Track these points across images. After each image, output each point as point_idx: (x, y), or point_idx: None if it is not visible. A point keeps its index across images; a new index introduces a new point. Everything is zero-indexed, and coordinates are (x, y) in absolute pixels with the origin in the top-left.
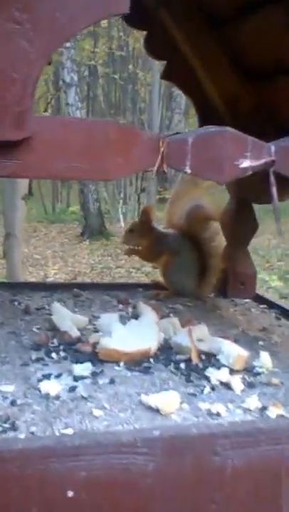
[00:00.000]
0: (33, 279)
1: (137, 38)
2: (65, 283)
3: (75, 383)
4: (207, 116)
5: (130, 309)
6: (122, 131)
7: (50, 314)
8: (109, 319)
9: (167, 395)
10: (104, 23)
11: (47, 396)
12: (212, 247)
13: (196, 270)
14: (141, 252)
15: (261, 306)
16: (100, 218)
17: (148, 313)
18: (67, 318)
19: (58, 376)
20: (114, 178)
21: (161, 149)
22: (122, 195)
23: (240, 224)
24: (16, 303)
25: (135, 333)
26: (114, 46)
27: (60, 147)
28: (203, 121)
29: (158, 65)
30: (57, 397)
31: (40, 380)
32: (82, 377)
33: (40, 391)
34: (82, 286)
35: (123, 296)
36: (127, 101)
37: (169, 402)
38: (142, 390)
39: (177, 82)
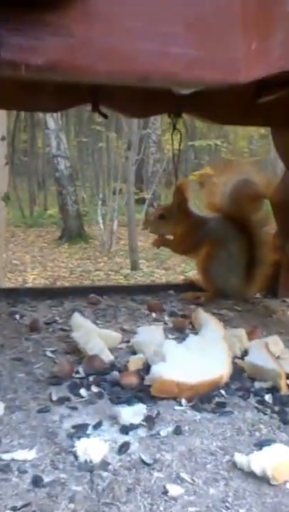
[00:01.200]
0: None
1: None
2: (76, 287)
3: (126, 437)
4: None
5: (166, 318)
6: None
7: (66, 330)
8: (150, 334)
9: (275, 451)
10: None
11: (88, 465)
12: (263, 234)
13: (243, 264)
14: (174, 243)
15: None
16: (78, 221)
17: (211, 326)
18: (94, 336)
19: (97, 427)
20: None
21: None
22: (100, 195)
23: None
24: (17, 316)
25: (197, 355)
26: None
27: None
28: None
29: None
30: (104, 467)
31: (71, 436)
32: (134, 427)
33: (75, 456)
34: (98, 291)
35: (153, 301)
36: None
37: (283, 464)
38: (228, 443)
39: None
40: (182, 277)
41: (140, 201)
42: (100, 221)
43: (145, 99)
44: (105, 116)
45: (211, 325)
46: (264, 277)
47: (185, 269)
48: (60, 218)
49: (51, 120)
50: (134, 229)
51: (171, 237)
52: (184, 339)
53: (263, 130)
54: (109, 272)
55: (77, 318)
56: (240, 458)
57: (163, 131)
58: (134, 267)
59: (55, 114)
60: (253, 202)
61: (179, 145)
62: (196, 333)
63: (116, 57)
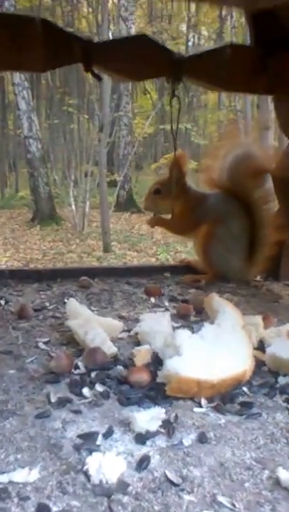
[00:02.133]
0: None
1: (84, 16)
2: (63, 268)
3: (143, 449)
4: None
5: (166, 303)
6: None
7: (58, 317)
8: (156, 323)
9: None
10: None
11: (104, 488)
12: (264, 212)
13: (245, 244)
14: (171, 222)
15: None
16: (50, 203)
17: (228, 313)
18: (94, 325)
19: (108, 435)
20: None
21: None
22: (72, 177)
23: None
24: (1, 301)
25: (216, 348)
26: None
27: None
28: None
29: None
30: (123, 489)
31: (78, 449)
32: (151, 435)
33: (87, 476)
34: (89, 273)
35: (150, 285)
36: (72, 81)
37: None
38: (264, 454)
39: None
40: (154, 259)
41: (112, 184)
42: (72, 203)
43: (141, 60)
44: (99, 77)
45: (226, 312)
46: (266, 258)
47: (156, 251)
48: (32, 200)
49: (22, 101)
50: (106, 211)
51: (166, 215)
52: (190, 327)
53: (232, 115)
54: (82, 254)
55: (73, 304)
56: (284, 475)
57: (134, 115)
58: (107, 249)
59: (26, 95)
60: (255, 177)
61: (178, 114)
62: (198, 321)
63: None
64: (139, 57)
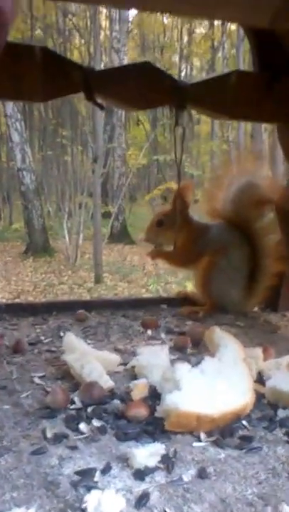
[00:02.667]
0: None
1: (76, 47)
2: (59, 301)
3: (142, 485)
4: None
5: (163, 335)
6: None
7: (53, 351)
8: (154, 356)
9: None
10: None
11: None
12: (266, 242)
13: (245, 274)
14: (173, 254)
15: None
16: (44, 235)
17: (230, 346)
18: (90, 359)
19: (106, 472)
20: None
21: None
22: (66, 209)
23: None
24: None
25: (216, 382)
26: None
27: None
28: None
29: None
30: None
31: (76, 486)
32: (150, 471)
33: None
34: (86, 305)
35: (147, 317)
36: (65, 113)
37: None
38: (266, 490)
39: None
40: (144, 290)
41: (106, 215)
42: (66, 235)
43: (145, 89)
44: (101, 107)
45: (228, 345)
46: (266, 289)
47: (147, 282)
48: (26, 233)
49: (15, 133)
50: (99, 243)
51: (167, 247)
52: (187, 360)
53: (225, 146)
54: (73, 286)
55: (70, 338)
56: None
57: (128, 145)
58: (98, 280)
59: (19, 127)
60: (258, 208)
61: (182, 142)
62: (195, 354)
63: None
64: (143, 85)
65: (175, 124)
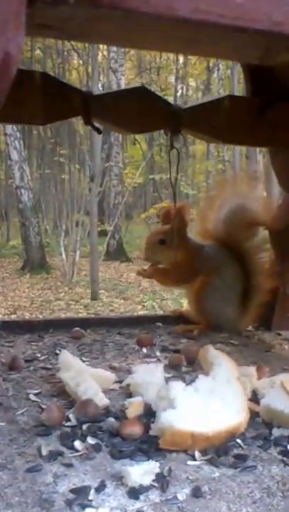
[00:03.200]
0: None
1: (75, 68)
2: (57, 319)
3: (137, 504)
4: None
5: (158, 353)
6: None
7: (49, 368)
8: (149, 374)
9: None
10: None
11: None
12: (258, 262)
13: (238, 292)
14: (169, 272)
15: None
16: (41, 252)
17: (223, 365)
18: (86, 377)
19: (100, 490)
20: None
21: None
22: (63, 227)
23: None
24: None
25: (210, 400)
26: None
27: None
28: None
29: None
30: None
31: (70, 504)
32: (144, 489)
33: None
34: (82, 323)
35: (142, 335)
36: (63, 132)
37: None
38: (260, 509)
39: None
40: (140, 307)
41: (102, 233)
42: (63, 252)
43: (141, 114)
44: (99, 131)
45: (222, 364)
46: (259, 307)
47: (143, 299)
48: (23, 249)
49: (14, 151)
50: (96, 260)
51: (165, 266)
52: (182, 378)
53: (220, 165)
54: (70, 302)
55: (65, 356)
56: None
57: (124, 165)
58: (95, 296)
59: (18, 145)
60: (248, 229)
61: (177, 165)
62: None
63: None
64: (138, 110)
65: (170, 147)
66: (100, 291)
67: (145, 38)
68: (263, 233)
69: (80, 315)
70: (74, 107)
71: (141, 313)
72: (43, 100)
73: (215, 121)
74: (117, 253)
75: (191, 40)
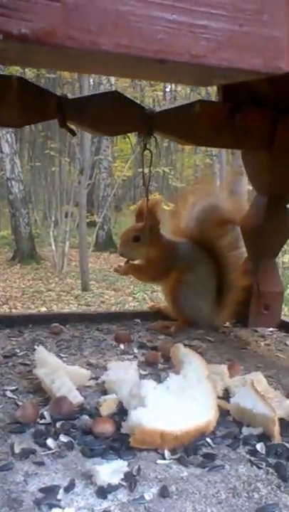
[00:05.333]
0: None
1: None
2: (37, 314)
3: (104, 503)
4: None
5: (136, 350)
6: None
7: (27, 364)
8: (123, 372)
9: None
10: None
11: None
12: (231, 258)
13: (213, 289)
14: (144, 269)
15: None
16: (30, 242)
17: (194, 363)
18: (61, 374)
19: (69, 489)
20: None
21: None
22: (53, 218)
23: (271, 228)
24: None
25: (180, 399)
26: (44, 71)
27: None
28: None
29: (88, 88)
30: None
31: (39, 504)
32: (112, 488)
33: None
34: (61, 319)
35: (120, 331)
36: (54, 126)
37: None
38: (225, 509)
39: None
40: (131, 298)
41: (91, 224)
42: (52, 243)
43: (115, 117)
44: (73, 132)
45: (192, 362)
46: (234, 304)
47: (134, 290)
48: (13, 240)
49: (6, 145)
50: (85, 251)
51: (137, 261)
52: (157, 375)
53: (208, 159)
54: (61, 293)
55: (41, 352)
56: None
57: (114, 158)
58: (85, 287)
59: (9, 139)
60: (220, 227)
61: (150, 166)
62: (166, 369)
63: (123, 28)
64: (112, 113)
65: (143, 149)
66: (91, 282)
67: (83, 65)
68: (236, 231)
69: (72, 306)
70: (49, 110)
71: (131, 307)
72: (19, 104)
73: (186, 124)
74: (107, 244)
75: (127, 67)
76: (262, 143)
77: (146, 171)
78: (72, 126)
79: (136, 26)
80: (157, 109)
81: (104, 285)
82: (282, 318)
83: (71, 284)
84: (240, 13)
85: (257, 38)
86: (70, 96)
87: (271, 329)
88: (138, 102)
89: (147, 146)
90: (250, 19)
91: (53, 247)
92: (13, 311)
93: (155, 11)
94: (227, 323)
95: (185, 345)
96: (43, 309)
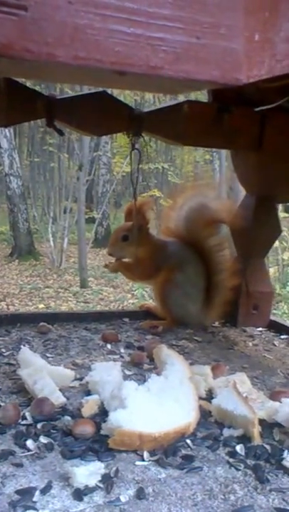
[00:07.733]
0: None
1: None
2: (23, 313)
3: (79, 506)
4: None
5: (122, 350)
6: None
7: (12, 364)
8: (107, 372)
9: None
10: None
11: None
12: (220, 258)
13: (201, 289)
14: (133, 268)
15: (283, 337)
16: (29, 238)
17: (176, 365)
18: (43, 374)
19: (46, 491)
20: None
21: None
22: (51, 214)
23: (260, 228)
24: None
25: (161, 400)
26: None
27: None
28: None
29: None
30: None
31: (14, 506)
32: (89, 490)
33: None
34: (49, 318)
35: (108, 331)
36: None
37: None
38: (201, 510)
39: None
40: (130, 295)
41: (90, 220)
42: (51, 239)
43: (103, 117)
44: (61, 132)
45: (175, 364)
46: (223, 303)
47: (132, 287)
48: (11, 235)
49: (5, 140)
50: (84, 247)
51: (127, 260)
52: (142, 376)
53: (208, 156)
54: (59, 290)
55: (25, 353)
56: None
57: (113, 154)
58: (84, 284)
59: (8, 134)
60: (209, 227)
61: (138, 165)
62: (151, 369)
63: (80, 41)
64: (100, 113)
65: (132, 148)
66: (89, 279)
67: (47, 75)
68: (225, 231)
69: (70, 303)
70: (37, 109)
71: (130, 304)
72: (7, 103)
73: (174, 124)
74: (106, 240)
75: (89, 78)
76: (250, 143)
77: (134, 170)
78: (61, 126)
79: (93, 39)
80: (157, 105)
81: (103, 282)
82: (272, 318)
83: (69, 281)
84: (198, 26)
85: (215, 50)
86: (58, 96)
87: (260, 329)
88: (137, 98)
89: (136, 146)
90: (208, 32)
91: (52, 243)
92: (10, 308)
93: (113, 24)
94: (216, 323)
95: (172, 345)
96: (41, 306)
